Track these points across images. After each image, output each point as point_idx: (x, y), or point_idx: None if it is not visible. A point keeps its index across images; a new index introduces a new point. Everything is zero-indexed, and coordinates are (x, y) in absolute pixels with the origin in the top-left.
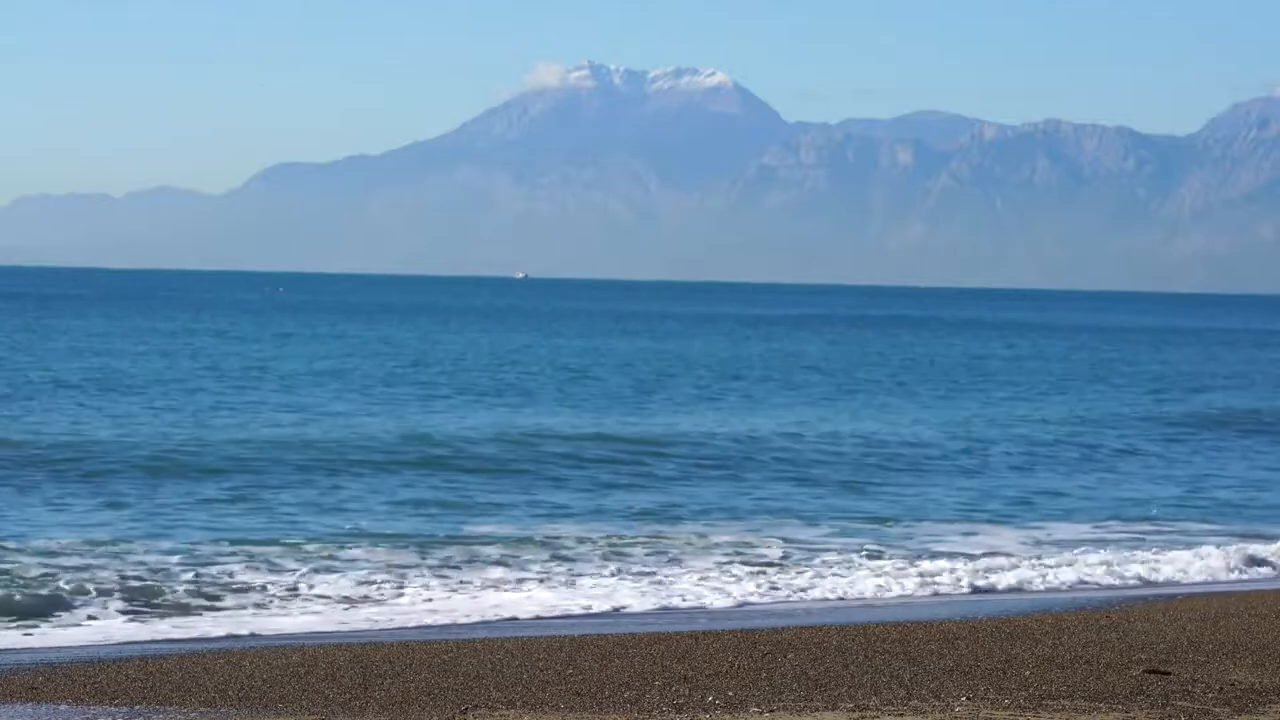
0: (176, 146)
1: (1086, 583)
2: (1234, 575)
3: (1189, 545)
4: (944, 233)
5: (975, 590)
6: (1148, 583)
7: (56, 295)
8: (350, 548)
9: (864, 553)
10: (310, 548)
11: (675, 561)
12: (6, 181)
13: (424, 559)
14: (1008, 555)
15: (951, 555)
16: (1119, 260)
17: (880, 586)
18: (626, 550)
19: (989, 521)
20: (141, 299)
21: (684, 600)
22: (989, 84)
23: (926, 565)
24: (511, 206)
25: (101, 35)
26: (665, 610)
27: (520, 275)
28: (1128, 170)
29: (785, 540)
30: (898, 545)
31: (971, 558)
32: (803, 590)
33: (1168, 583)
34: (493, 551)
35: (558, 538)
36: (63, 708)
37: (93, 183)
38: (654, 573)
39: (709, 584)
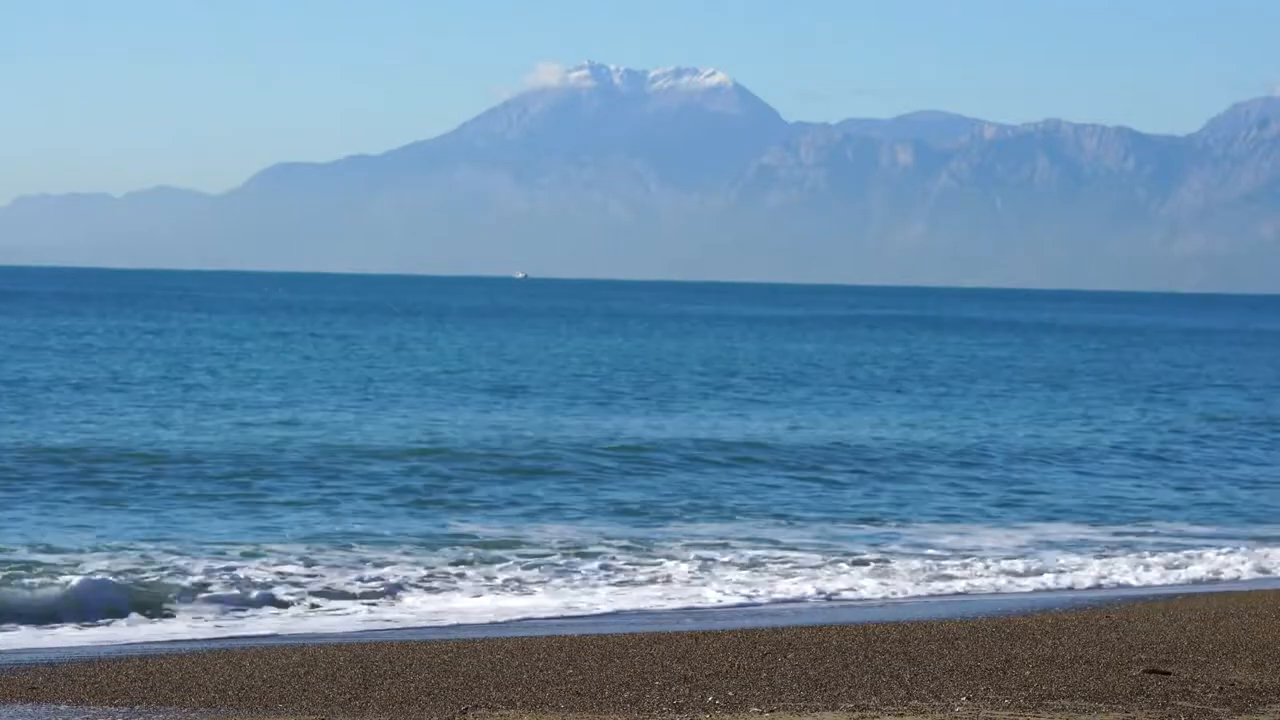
0: (176, 146)
1: (1077, 585)
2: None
3: (1183, 548)
4: (944, 233)
5: (966, 592)
6: (1140, 585)
7: (56, 294)
8: (345, 548)
9: (855, 553)
10: (308, 548)
11: (667, 562)
12: (6, 181)
13: (415, 559)
14: (1000, 556)
15: (943, 556)
16: (1119, 260)
17: (874, 587)
18: (618, 550)
19: (980, 522)
20: (141, 299)
21: (678, 601)
22: (989, 84)
23: (919, 565)
24: (511, 206)
25: (102, 35)
26: (658, 611)
27: (520, 275)
28: (1128, 170)
29: (773, 541)
30: (889, 545)
31: (962, 558)
32: (795, 590)
33: (1165, 584)
34: (484, 553)
35: (549, 539)
36: (63, 708)
37: (93, 183)
38: (644, 572)
39: (702, 584)
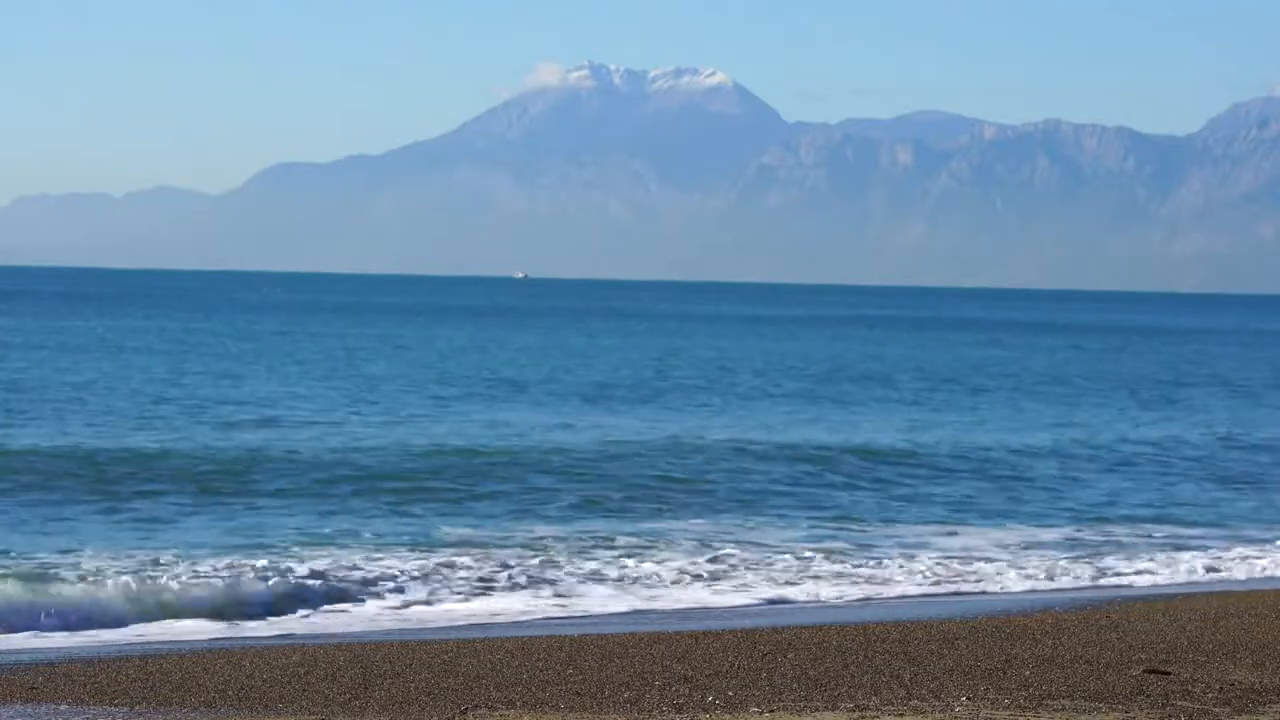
0: (176, 146)
1: (1070, 585)
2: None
3: (1174, 548)
4: (944, 233)
5: (958, 592)
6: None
7: (56, 294)
8: (338, 550)
9: (847, 553)
10: (302, 551)
11: (655, 562)
12: (6, 181)
13: (401, 561)
14: (991, 557)
15: (933, 556)
16: (1119, 260)
17: (866, 587)
18: (611, 550)
19: (969, 523)
20: (141, 299)
21: (670, 604)
22: (989, 84)
23: (912, 565)
24: (511, 206)
25: (102, 35)
26: (658, 611)
27: (520, 275)
28: (1128, 170)
29: (757, 542)
30: (880, 545)
31: (954, 558)
32: (789, 590)
33: (1162, 584)
34: (474, 553)
35: (540, 539)
36: (63, 708)
37: (93, 183)
38: (637, 572)
39: (695, 586)
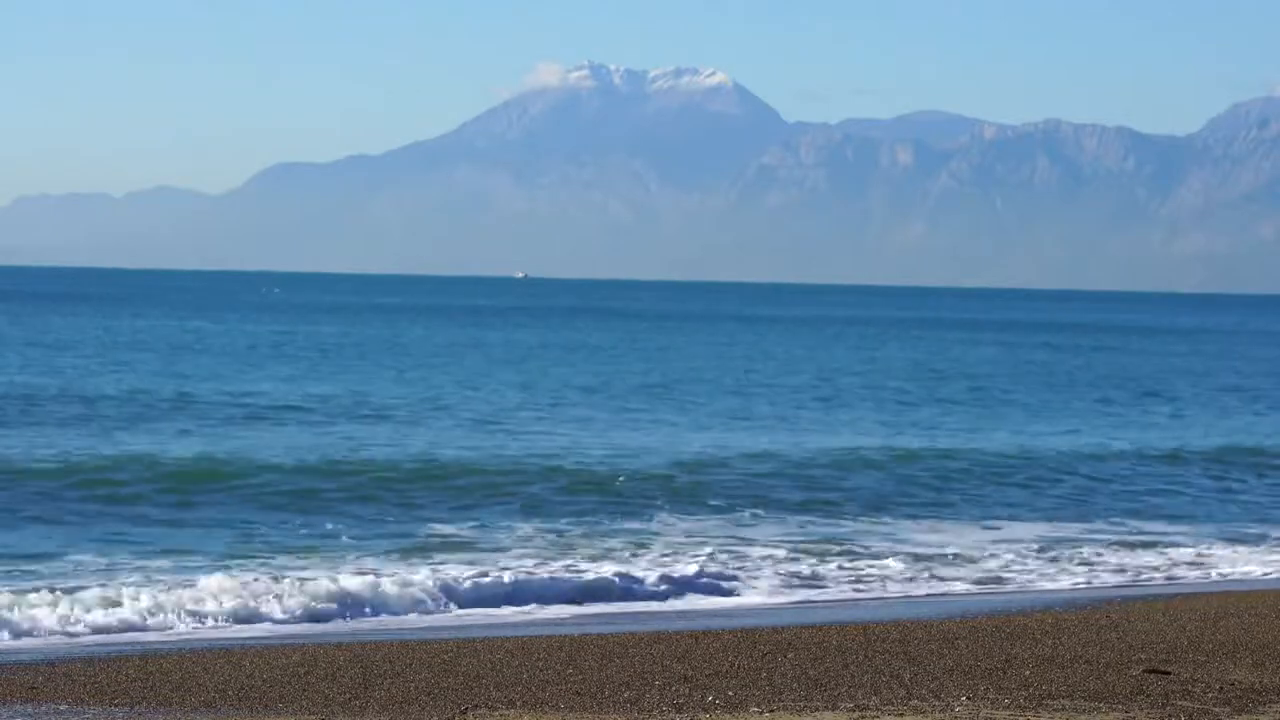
0: (176, 146)
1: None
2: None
3: (1150, 546)
4: (944, 233)
5: (957, 592)
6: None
7: (56, 295)
8: (333, 553)
9: (837, 552)
10: (298, 555)
11: (655, 561)
12: (6, 181)
13: (385, 562)
14: (984, 558)
15: (921, 555)
16: (1119, 260)
17: (862, 588)
18: (606, 550)
19: (949, 520)
20: (140, 299)
21: (668, 604)
22: (989, 84)
23: (901, 565)
24: (511, 206)
25: (102, 35)
26: (658, 612)
27: (520, 275)
28: (1128, 170)
29: (745, 540)
30: (866, 542)
31: (933, 557)
32: (783, 590)
33: (1165, 584)
34: (460, 555)
35: (528, 538)
36: (62, 708)
37: (93, 183)
38: (633, 571)
39: (694, 586)
